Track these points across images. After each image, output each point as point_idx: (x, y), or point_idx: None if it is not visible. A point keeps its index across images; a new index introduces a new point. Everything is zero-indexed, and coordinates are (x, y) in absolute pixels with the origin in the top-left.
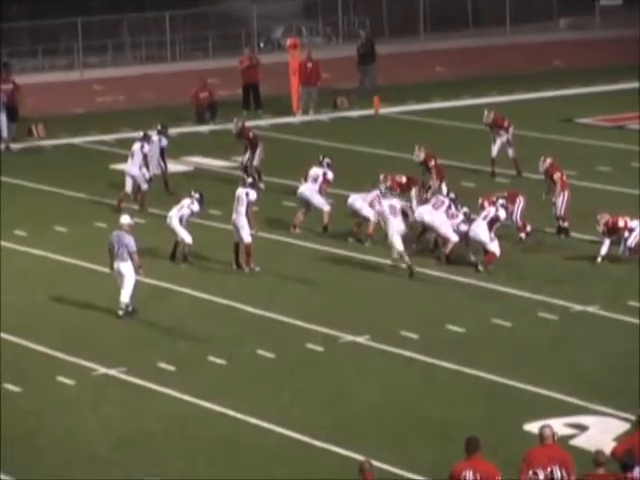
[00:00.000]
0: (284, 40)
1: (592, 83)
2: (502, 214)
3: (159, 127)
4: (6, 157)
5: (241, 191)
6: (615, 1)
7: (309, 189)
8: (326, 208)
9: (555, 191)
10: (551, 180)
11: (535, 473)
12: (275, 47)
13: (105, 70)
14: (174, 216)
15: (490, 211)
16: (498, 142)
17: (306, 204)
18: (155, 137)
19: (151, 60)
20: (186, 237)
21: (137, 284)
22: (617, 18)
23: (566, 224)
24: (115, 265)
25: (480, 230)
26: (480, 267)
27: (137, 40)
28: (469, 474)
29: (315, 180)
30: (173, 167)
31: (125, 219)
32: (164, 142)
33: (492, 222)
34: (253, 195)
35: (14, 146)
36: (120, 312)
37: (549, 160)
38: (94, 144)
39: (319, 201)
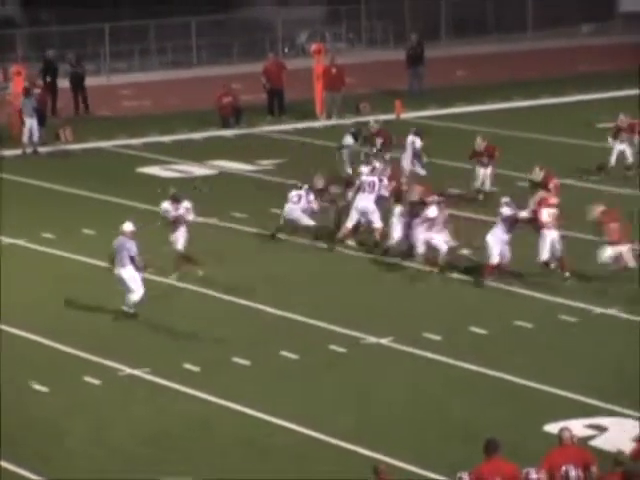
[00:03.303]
0: (308, 45)
1: (612, 88)
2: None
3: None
4: (35, 160)
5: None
6: (635, 7)
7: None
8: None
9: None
10: (546, 189)
11: (552, 474)
12: (299, 52)
13: (132, 75)
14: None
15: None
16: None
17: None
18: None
19: (177, 65)
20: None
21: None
22: (636, 24)
23: None
24: (116, 271)
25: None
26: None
27: (163, 45)
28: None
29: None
30: (198, 170)
31: (127, 226)
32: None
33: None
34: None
35: (42, 150)
36: (126, 308)
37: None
38: (121, 148)
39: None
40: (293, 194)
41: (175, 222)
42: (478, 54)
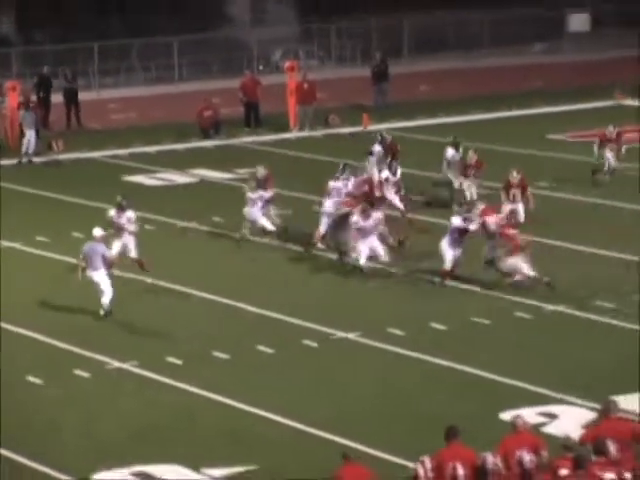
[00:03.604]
0: (282, 63)
1: (563, 103)
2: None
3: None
4: (29, 169)
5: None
6: (583, 27)
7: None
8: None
9: (530, 202)
10: (524, 190)
11: (507, 458)
12: (274, 69)
13: (119, 90)
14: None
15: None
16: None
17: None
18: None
19: (160, 81)
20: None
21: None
22: (585, 43)
23: None
24: (89, 274)
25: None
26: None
27: (148, 63)
28: (453, 464)
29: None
30: (179, 178)
31: (97, 231)
32: (456, 156)
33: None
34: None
35: (36, 159)
36: (102, 312)
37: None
38: (109, 158)
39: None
40: (251, 196)
41: (119, 229)
42: (439, 70)
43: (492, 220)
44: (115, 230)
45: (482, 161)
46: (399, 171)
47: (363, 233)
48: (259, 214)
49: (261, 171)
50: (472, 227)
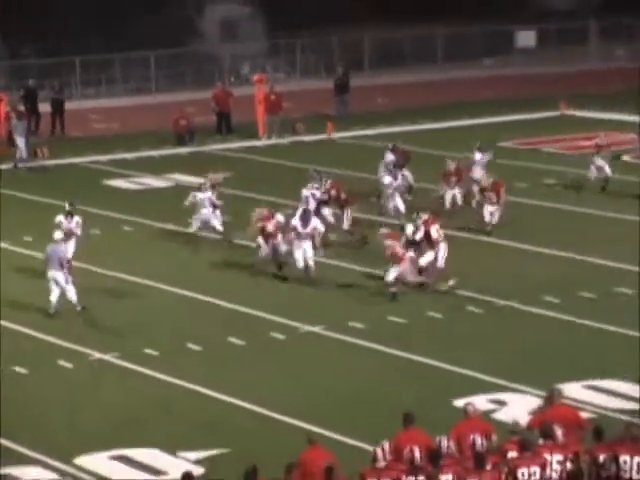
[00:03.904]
0: (251, 75)
1: (511, 112)
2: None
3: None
4: (16, 174)
5: None
6: (530, 43)
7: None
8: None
9: (499, 203)
10: (497, 193)
11: (460, 442)
12: (243, 81)
13: (100, 101)
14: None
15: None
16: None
17: None
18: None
19: (138, 92)
20: None
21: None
22: (531, 58)
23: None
24: (50, 274)
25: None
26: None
27: (127, 75)
28: (410, 447)
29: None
30: (155, 182)
31: (57, 235)
32: (484, 158)
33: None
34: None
35: (22, 165)
36: (79, 308)
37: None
38: (90, 163)
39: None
40: (201, 197)
41: (67, 234)
42: (396, 83)
43: (437, 228)
44: (65, 235)
45: (462, 169)
46: (409, 177)
47: (299, 238)
48: (211, 215)
49: (213, 176)
50: (417, 237)
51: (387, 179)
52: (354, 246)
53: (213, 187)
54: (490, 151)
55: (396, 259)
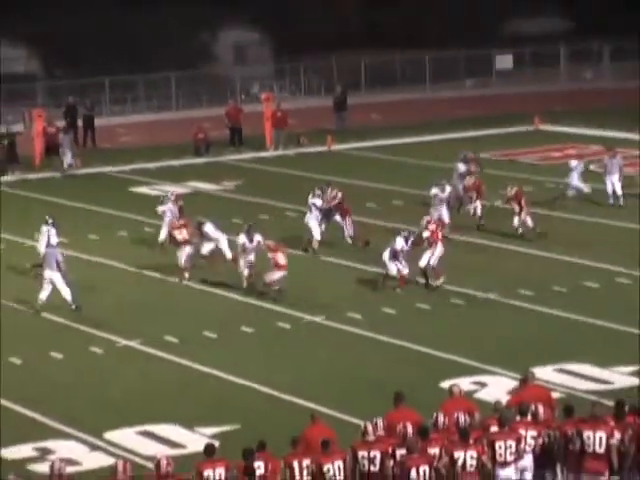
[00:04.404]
0: (260, 94)
1: (491, 127)
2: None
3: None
4: (57, 182)
5: None
6: (507, 65)
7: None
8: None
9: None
10: (519, 203)
11: (442, 419)
12: (253, 100)
13: (126, 117)
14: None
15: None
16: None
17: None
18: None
19: (160, 109)
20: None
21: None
22: (508, 79)
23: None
24: (47, 274)
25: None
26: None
27: (150, 94)
28: (403, 423)
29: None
30: (176, 189)
31: (54, 239)
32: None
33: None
34: None
35: (69, 173)
36: (73, 307)
37: (515, 188)
38: (117, 172)
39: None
40: (161, 209)
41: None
42: (388, 101)
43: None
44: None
45: (480, 183)
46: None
47: (245, 252)
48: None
49: (174, 190)
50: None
51: (434, 190)
52: (356, 248)
53: (176, 200)
54: (472, 163)
55: (433, 242)
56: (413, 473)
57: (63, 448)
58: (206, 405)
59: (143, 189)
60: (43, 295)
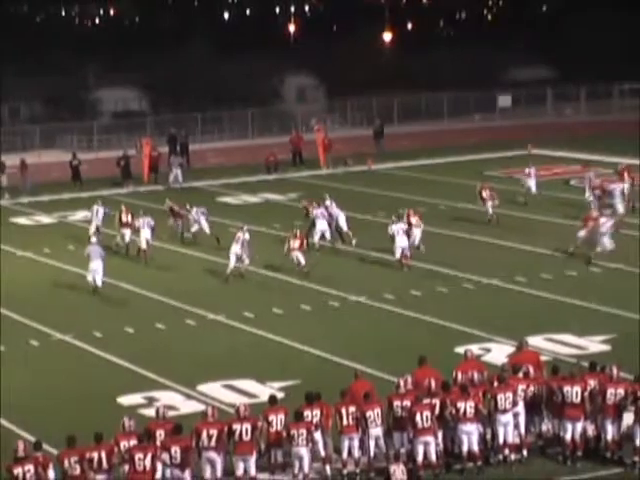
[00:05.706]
0: (316, 126)
1: (494, 151)
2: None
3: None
4: (158, 193)
5: None
6: (507, 104)
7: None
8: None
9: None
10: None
11: (460, 376)
12: (311, 130)
13: (214, 144)
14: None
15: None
16: None
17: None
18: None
19: (240, 137)
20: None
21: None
22: (508, 114)
23: None
24: (93, 265)
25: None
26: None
27: (232, 126)
28: (428, 379)
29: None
30: (251, 199)
31: (93, 239)
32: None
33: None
34: None
35: (174, 186)
36: (96, 287)
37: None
38: (207, 186)
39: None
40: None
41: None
42: (416, 131)
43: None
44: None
45: (494, 192)
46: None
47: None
48: (148, 235)
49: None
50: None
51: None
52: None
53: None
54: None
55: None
56: (417, 417)
57: (165, 397)
58: (274, 365)
59: (227, 199)
60: (98, 281)
